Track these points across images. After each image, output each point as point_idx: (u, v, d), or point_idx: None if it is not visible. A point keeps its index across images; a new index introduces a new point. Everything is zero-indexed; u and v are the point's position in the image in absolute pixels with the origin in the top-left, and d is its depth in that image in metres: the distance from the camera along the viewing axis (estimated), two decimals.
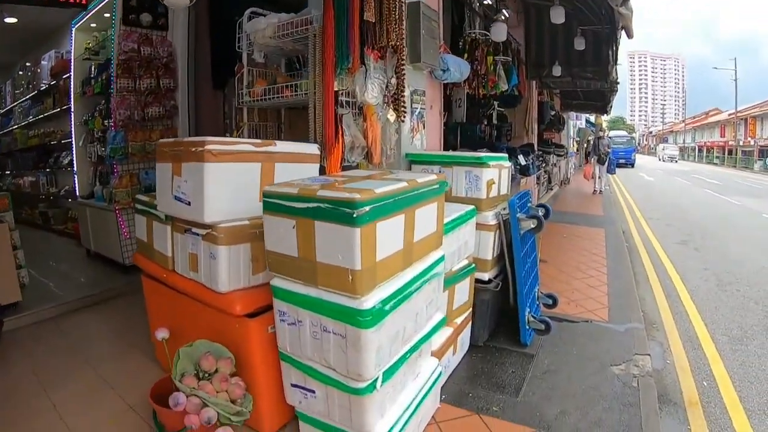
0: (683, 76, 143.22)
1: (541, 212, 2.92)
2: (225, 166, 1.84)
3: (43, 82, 6.30)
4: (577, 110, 15.72)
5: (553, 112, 10.91)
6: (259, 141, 2.07)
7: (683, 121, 56.28)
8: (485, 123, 6.86)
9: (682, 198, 12.94)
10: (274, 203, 1.64)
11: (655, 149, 57.34)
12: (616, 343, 3.03)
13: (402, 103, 2.84)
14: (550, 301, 3.37)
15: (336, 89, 2.54)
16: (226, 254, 1.88)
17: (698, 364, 3.06)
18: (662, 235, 7.37)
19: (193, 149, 1.83)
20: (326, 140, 2.48)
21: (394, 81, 2.79)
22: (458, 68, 3.73)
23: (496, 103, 7.37)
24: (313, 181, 1.74)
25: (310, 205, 1.52)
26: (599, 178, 12.08)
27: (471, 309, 2.76)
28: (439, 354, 2.29)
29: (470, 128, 6.14)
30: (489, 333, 3.05)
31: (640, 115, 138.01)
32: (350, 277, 1.48)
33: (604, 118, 14.09)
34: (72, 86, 4.97)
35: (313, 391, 1.72)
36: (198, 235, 1.95)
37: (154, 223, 2.30)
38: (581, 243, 6.17)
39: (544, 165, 8.97)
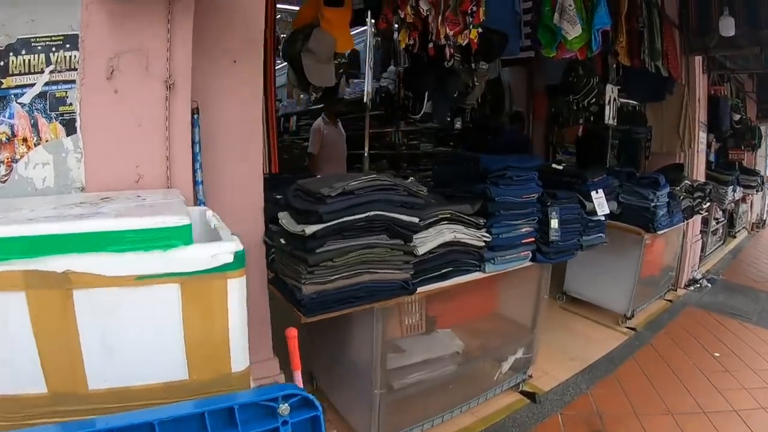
0: None
1: None
2: None
3: None
4: None
5: (738, 117, 6.74)
6: None
7: None
8: (581, 119, 3.81)
9: None
10: None
11: None
12: None
13: None
14: None
15: None
16: None
17: None
18: None
19: None
20: None
21: None
22: None
23: (615, 88, 4.22)
24: None
25: None
26: None
27: None
28: None
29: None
30: None
31: None
32: None
33: None
34: None
35: None
36: None
37: None
38: (751, 396, 2.68)
39: (706, 201, 5.02)
